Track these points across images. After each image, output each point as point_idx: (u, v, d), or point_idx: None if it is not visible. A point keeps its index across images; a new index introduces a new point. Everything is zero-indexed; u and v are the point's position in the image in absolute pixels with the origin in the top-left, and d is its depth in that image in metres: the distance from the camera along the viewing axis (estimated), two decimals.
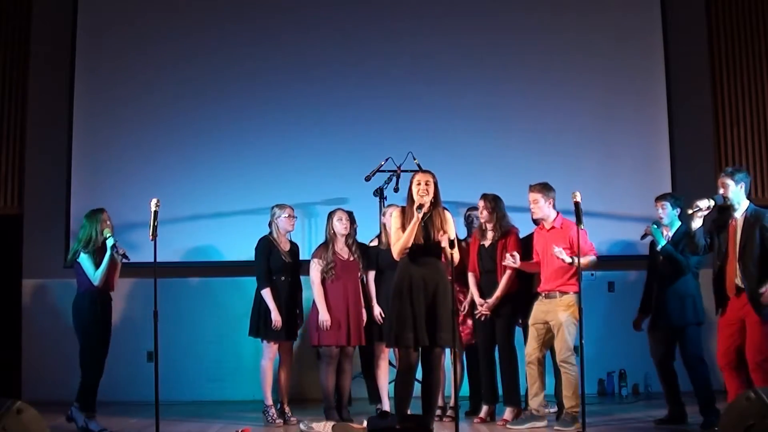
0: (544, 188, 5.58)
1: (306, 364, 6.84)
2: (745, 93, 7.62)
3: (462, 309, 5.87)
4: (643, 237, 5.68)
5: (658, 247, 5.54)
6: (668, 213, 5.65)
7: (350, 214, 6.10)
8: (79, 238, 5.67)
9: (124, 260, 5.63)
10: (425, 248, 4.97)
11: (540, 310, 5.54)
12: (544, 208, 5.57)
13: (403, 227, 4.98)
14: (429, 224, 4.98)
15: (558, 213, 5.64)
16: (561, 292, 5.45)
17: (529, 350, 5.56)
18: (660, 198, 5.76)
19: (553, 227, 5.58)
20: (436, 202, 5.03)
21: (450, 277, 4.88)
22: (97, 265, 5.55)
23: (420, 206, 4.92)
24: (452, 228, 5.09)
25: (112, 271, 5.64)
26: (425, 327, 4.86)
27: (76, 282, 5.65)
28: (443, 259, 5.01)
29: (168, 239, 6.33)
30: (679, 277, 5.51)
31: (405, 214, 5.03)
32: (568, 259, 5.34)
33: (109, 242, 5.55)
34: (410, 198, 5.04)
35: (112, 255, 5.54)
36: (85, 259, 5.57)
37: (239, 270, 6.83)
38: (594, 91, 7.42)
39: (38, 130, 7.41)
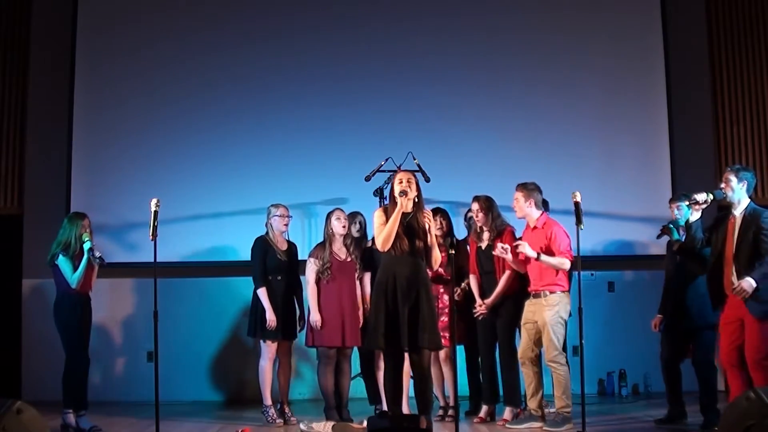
0: (526, 188, 5.59)
1: (306, 364, 6.84)
2: (745, 93, 7.62)
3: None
4: (659, 236, 5.64)
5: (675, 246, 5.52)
6: (684, 213, 5.60)
7: (361, 215, 6.13)
8: (58, 240, 5.69)
9: (101, 263, 5.69)
10: (409, 248, 4.93)
11: (529, 310, 5.56)
12: (524, 207, 5.57)
13: (386, 224, 4.95)
14: (413, 223, 4.97)
15: (543, 213, 5.62)
16: (547, 291, 5.45)
17: (521, 351, 5.56)
18: (674, 199, 5.74)
19: (536, 227, 5.58)
20: (419, 203, 5.02)
21: (450, 278, 4.85)
22: (75, 268, 5.58)
23: (403, 192, 4.89)
24: (433, 232, 5.06)
25: (88, 274, 5.68)
26: (408, 329, 4.83)
27: (55, 284, 5.69)
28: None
29: (168, 239, 6.33)
30: (697, 276, 5.46)
31: (387, 213, 5.00)
32: (532, 253, 5.35)
33: (86, 246, 5.59)
34: (392, 196, 5.03)
35: (89, 258, 5.59)
36: (63, 262, 5.60)
37: (240, 270, 6.80)
38: (594, 92, 7.42)
39: (38, 130, 7.41)
